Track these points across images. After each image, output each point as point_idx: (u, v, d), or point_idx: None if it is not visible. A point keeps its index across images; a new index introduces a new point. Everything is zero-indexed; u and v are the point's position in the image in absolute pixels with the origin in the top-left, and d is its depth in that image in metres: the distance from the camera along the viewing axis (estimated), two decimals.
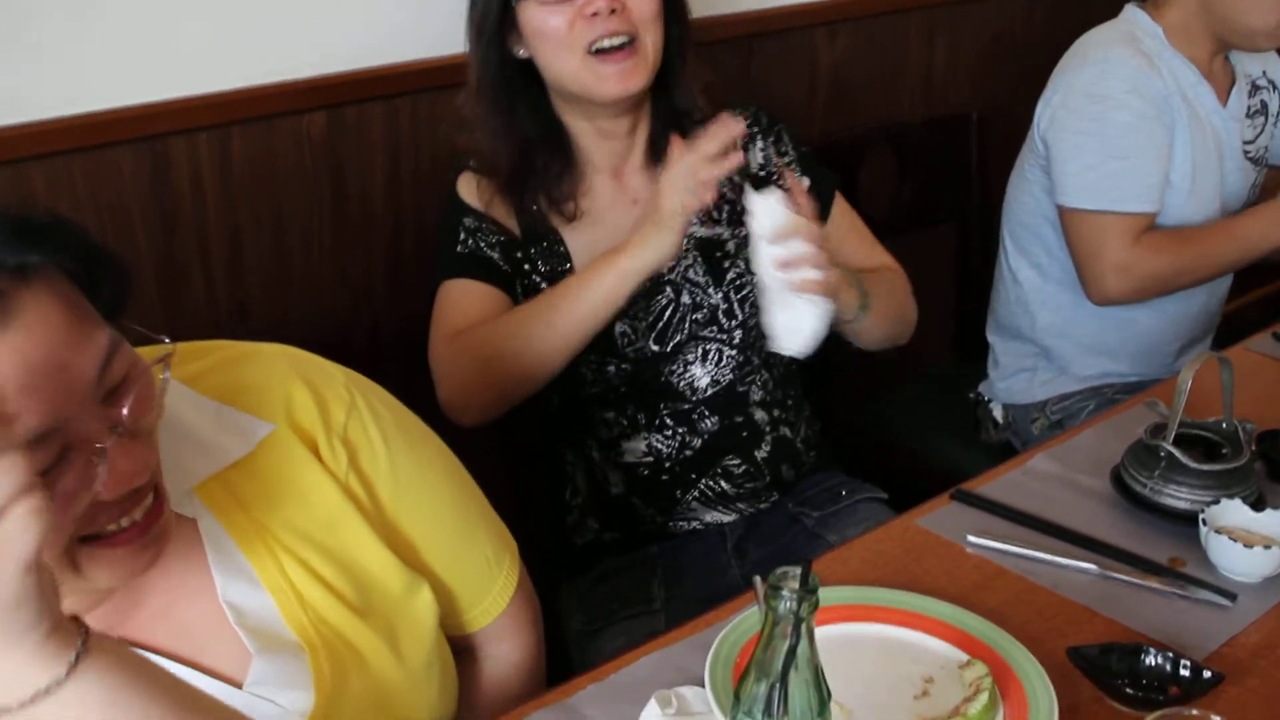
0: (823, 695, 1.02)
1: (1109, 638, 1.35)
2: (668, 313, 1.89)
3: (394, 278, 2.21)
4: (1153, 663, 1.30)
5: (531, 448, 2.12)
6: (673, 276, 1.90)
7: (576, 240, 1.89)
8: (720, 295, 1.91)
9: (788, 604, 0.99)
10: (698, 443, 1.92)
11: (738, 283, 1.92)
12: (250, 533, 1.18)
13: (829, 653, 1.32)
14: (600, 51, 1.75)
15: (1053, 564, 1.49)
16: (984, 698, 1.23)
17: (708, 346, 1.91)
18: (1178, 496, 1.55)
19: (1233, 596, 1.44)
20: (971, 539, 1.53)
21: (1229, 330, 2.40)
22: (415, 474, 1.32)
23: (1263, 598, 1.44)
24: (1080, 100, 2.24)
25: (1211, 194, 2.30)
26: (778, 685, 1.00)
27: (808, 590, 0.99)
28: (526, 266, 1.88)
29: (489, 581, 1.41)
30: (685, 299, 1.90)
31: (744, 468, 1.94)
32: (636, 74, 1.78)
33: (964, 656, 1.31)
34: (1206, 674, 1.28)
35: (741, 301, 1.92)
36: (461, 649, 1.44)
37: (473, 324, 1.81)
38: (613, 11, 1.73)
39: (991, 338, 2.54)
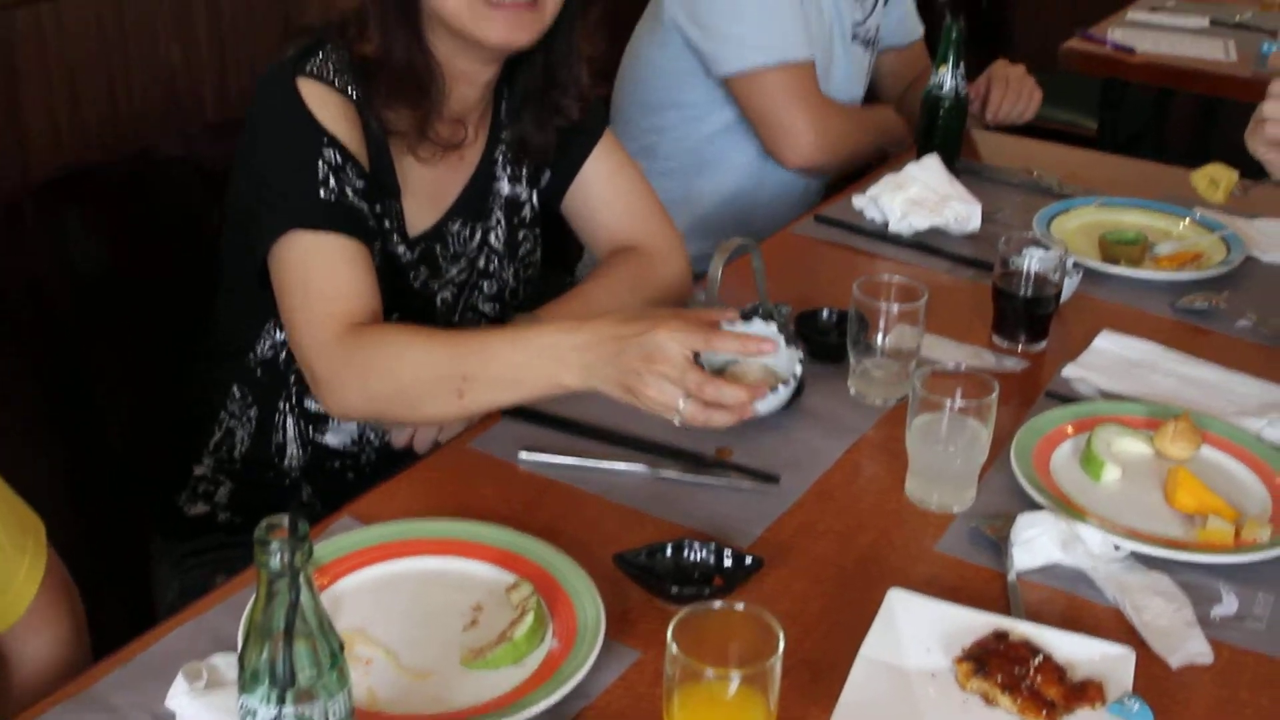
0: (333, 648, 0.95)
1: (659, 537, 1.34)
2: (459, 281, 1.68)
3: None
4: (696, 557, 1.30)
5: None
6: (474, 243, 1.69)
7: (409, 196, 1.62)
8: (511, 271, 1.73)
9: (279, 557, 0.91)
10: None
11: (528, 259, 1.74)
12: None
13: (371, 595, 1.28)
14: None
15: (603, 470, 1.47)
16: (529, 619, 1.19)
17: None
18: None
19: (775, 479, 1.46)
20: (523, 455, 1.49)
21: None
22: None
23: (802, 478, 1.47)
24: None
25: (823, 74, 2.35)
26: (281, 647, 0.93)
27: (299, 538, 0.92)
28: (383, 224, 1.58)
29: (10, 571, 1.27)
30: (481, 264, 1.70)
31: None
32: (528, 28, 1.53)
33: (512, 579, 1.27)
34: (748, 560, 1.29)
35: (528, 283, 1.74)
36: None
37: (358, 302, 1.47)
38: None
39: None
